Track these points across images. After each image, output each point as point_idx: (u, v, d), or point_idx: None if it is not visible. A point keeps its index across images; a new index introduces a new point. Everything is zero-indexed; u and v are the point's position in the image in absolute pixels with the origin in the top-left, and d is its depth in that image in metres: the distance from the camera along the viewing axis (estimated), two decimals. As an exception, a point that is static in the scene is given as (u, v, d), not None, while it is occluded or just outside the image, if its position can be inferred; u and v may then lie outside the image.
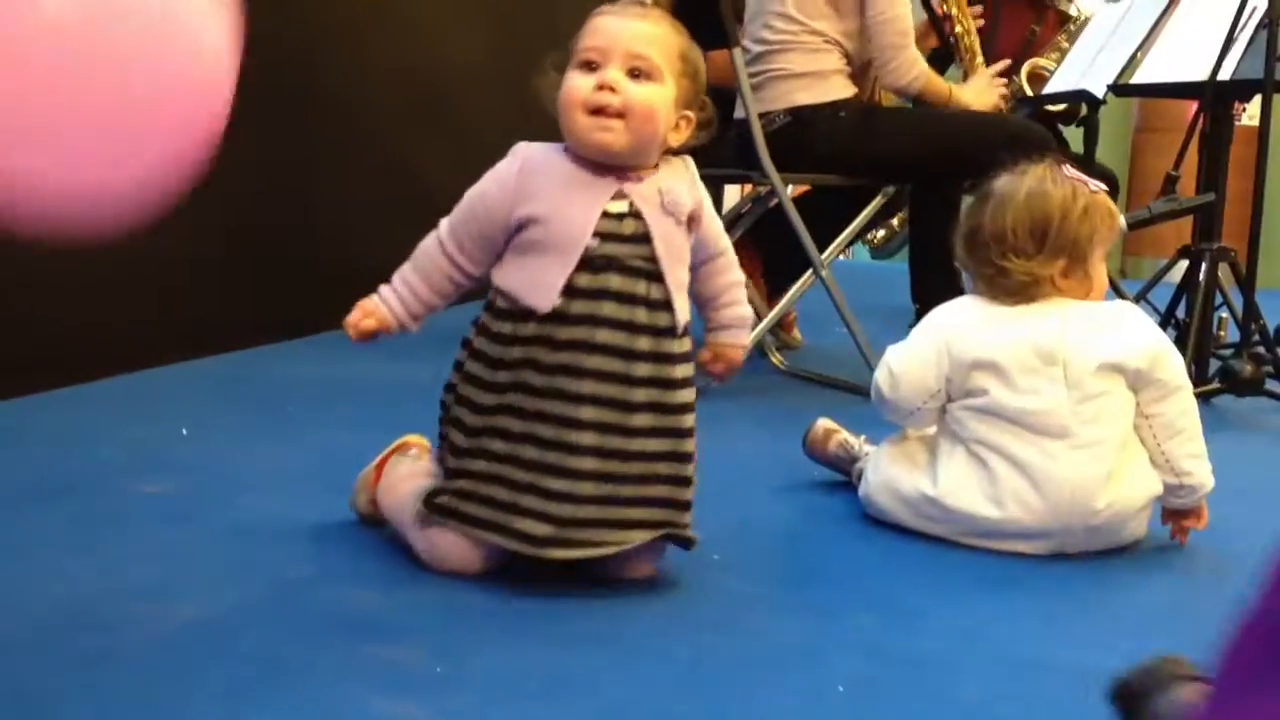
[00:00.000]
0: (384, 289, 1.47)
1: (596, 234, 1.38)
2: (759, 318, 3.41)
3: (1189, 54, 2.93)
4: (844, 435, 2.04)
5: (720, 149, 3.11)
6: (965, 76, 3.34)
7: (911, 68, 2.86)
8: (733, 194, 5.45)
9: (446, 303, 1.48)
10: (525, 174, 1.41)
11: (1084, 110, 3.56)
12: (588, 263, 1.38)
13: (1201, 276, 2.81)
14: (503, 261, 1.43)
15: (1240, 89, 2.91)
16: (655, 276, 1.40)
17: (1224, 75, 2.73)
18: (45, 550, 1.52)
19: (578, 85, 1.39)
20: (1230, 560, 1.75)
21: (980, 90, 3.11)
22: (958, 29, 3.35)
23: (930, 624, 1.44)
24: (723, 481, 2.03)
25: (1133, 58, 3.09)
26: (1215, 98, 2.83)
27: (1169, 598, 1.61)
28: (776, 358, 3.14)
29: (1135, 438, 1.72)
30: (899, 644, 1.36)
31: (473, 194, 1.44)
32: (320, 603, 1.38)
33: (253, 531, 1.61)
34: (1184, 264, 2.91)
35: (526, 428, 1.38)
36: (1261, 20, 2.71)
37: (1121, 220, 1.82)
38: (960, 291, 3.09)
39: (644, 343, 1.40)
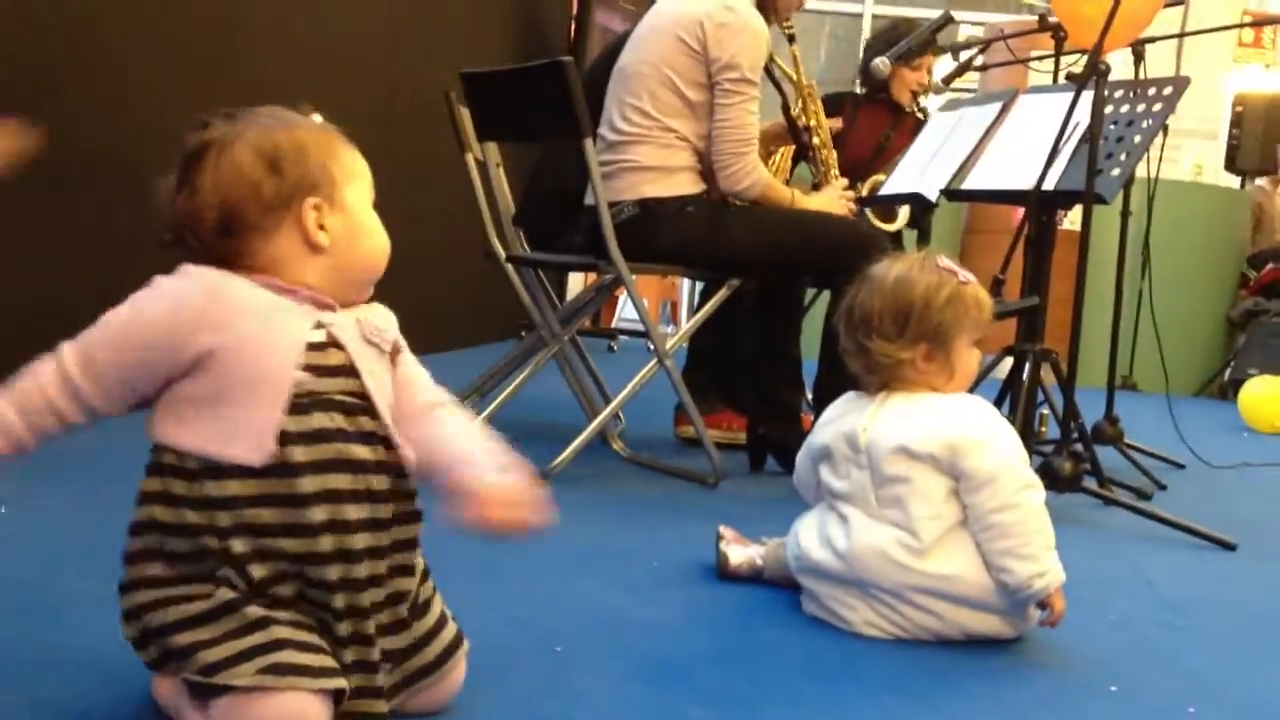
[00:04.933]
0: None
1: (304, 368, 1.20)
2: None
3: (1016, 163, 3.08)
4: (746, 559, 2.04)
5: (568, 235, 3.15)
6: (816, 186, 3.44)
7: (748, 175, 2.93)
8: (576, 283, 5.49)
9: (37, 447, 1.20)
10: (212, 299, 1.19)
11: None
12: (296, 402, 1.19)
13: (1025, 376, 2.92)
14: (175, 415, 1.19)
15: (1063, 198, 3.06)
16: (370, 412, 1.23)
17: (1048, 185, 2.87)
18: None
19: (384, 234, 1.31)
20: (1051, 654, 1.80)
21: (829, 201, 3.20)
22: (814, 140, 3.46)
23: (762, 717, 1.45)
24: (563, 571, 2.02)
25: (964, 164, 3.23)
26: (1040, 206, 2.97)
27: (988, 688, 1.64)
28: (618, 444, 3.15)
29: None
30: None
31: (125, 317, 1.19)
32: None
33: (71, 617, 1.55)
34: (1008, 361, 3.02)
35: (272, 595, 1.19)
36: (1084, 135, 2.86)
37: (989, 311, 1.88)
38: (797, 381, 3.21)
39: (380, 482, 1.24)
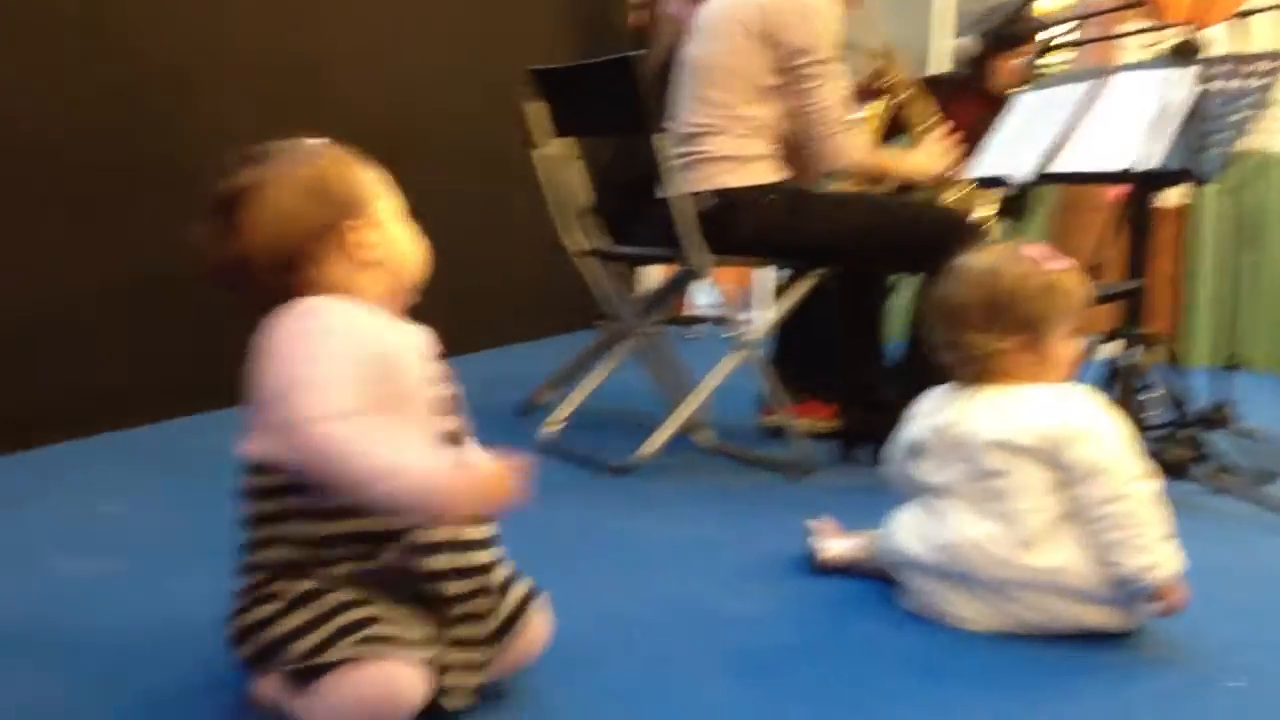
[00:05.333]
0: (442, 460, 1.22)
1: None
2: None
3: (1111, 143, 2.97)
4: (840, 552, 1.99)
5: (642, 226, 3.10)
6: (916, 144, 3.33)
7: (843, 154, 2.86)
8: (650, 271, 5.45)
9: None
10: (359, 319, 1.27)
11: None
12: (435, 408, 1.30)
13: (1130, 361, 2.82)
14: None
15: (1164, 179, 2.95)
16: (457, 411, 1.34)
17: (1148, 165, 2.76)
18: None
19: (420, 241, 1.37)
20: (1167, 647, 1.71)
21: (929, 156, 3.11)
22: (898, 99, 3.35)
23: (864, 713, 1.40)
24: (652, 565, 1.99)
25: (1055, 146, 3.12)
26: (1140, 187, 2.86)
27: (1102, 684, 1.57)
28: (703, 435, 3.10)
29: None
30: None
31: (340, 366, 1.19)
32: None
33: (184, 609, 1.55)
34: (1111, 346, 2.92)
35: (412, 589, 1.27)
36: (1187, 113, 2.75)
37: (1084, 299, 1.81)
38: (883, 368, 3.13)
39: None
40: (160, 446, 2.69)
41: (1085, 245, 2.86)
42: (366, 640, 1.20)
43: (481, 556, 1.31)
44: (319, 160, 1.31)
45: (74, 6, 2.67)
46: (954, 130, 3.88)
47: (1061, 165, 3.10)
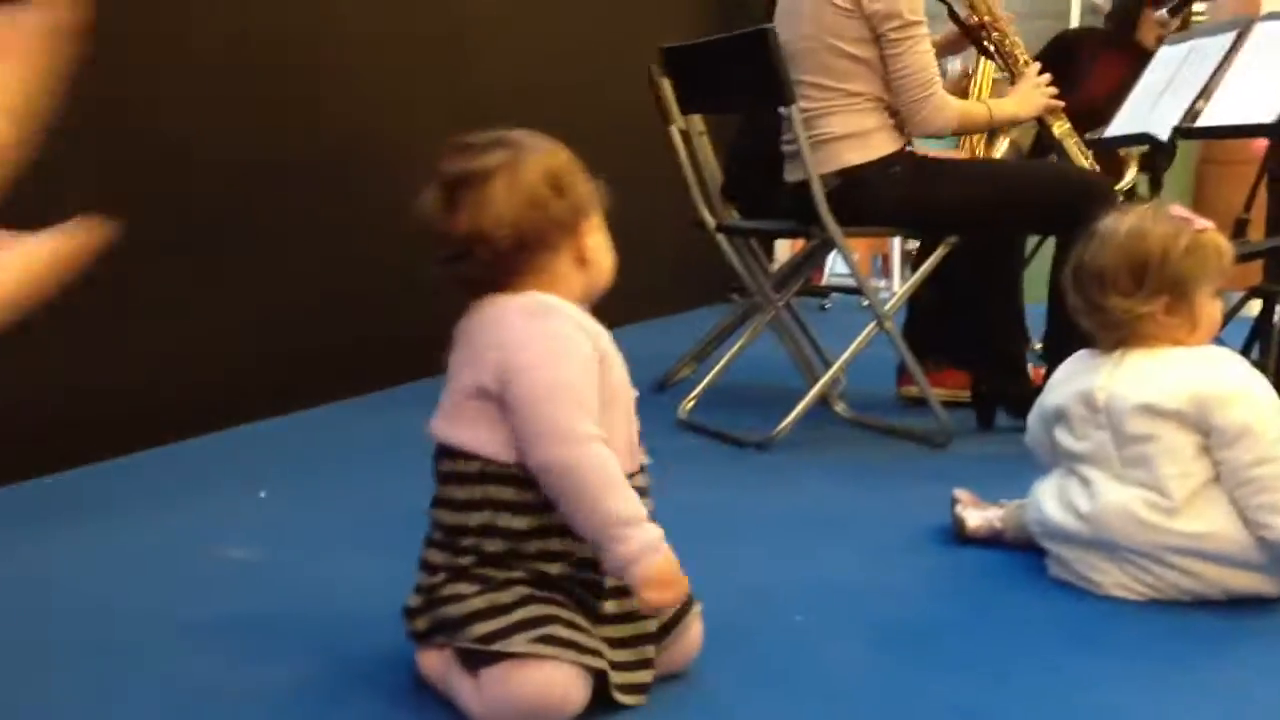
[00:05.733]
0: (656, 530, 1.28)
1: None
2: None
3: (1256, 96, 2.88)
4: (985, 522, 1.99)
5: (773, 201, 3.11)
6: (1013, 81, 3.25)
7: (938, 115, 2.81)
8: (784, 244, 5.44)
9: None
10: (586, 324, 1.33)
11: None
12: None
13: (1276, 319, 2.74)
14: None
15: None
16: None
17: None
18: (134, 618, 1.54)
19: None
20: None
21: (1024, 96, 3.03)
22: (995, 35, 3.24)
23: (1014, 685, 1.41)
24: (795, 539, 2.01)
25: (1198, 99, 3.04)
26: (1284, 138, 2.78)
27: (1258, 651, 1.55)
28: (841, 406, 3.11)
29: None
30: (985, 707, 1.33)
31: (588, 373, 1.28)
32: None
33: (342, 593, 1.61)
34: (1258, 302, 2.85)
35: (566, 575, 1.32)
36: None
37: (1230, 258, 1.78)
38: (1021, 332, 3.09)
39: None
40: (311, 433, 2.79)
41: (1229, 201, 2.78)
42: (541, 640, 1.24)
43: None
44: (562, 155, 1.34)
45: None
46: (1104, 88, 3.76)
47: (1205, 119, 3.01)
